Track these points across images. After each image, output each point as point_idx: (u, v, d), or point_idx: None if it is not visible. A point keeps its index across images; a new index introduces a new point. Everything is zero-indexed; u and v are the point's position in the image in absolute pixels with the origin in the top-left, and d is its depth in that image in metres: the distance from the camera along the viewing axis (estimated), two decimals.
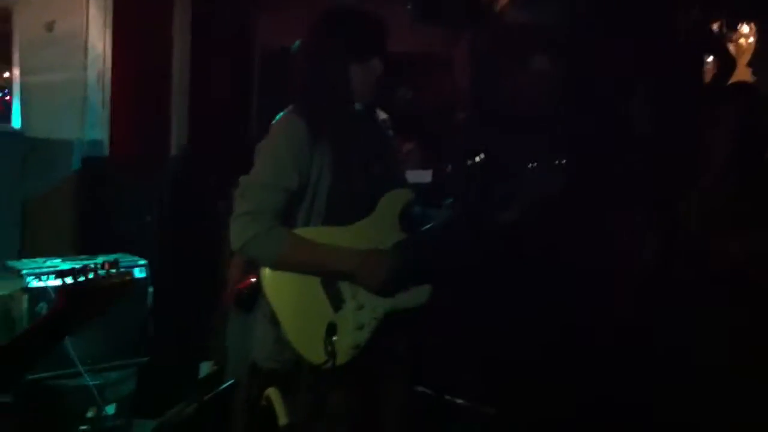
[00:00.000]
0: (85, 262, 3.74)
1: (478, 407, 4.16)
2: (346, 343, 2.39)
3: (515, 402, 3.95)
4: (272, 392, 2.19)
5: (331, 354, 2.31)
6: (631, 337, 3.65)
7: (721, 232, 2.90)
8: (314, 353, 2.36)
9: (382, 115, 2.74)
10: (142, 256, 4.10)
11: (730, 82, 4.72)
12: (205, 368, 4.51)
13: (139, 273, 4.03)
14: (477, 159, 2.83)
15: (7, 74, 4.55)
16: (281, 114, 2.57)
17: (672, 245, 3.33)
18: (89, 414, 3.73)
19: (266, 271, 2.45)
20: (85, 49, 4.53)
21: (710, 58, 5.13)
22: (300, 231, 2.47)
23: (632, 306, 3.74)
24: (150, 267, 4.07)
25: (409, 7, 5.37)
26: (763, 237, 2.67)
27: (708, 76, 5.11)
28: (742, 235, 2.78)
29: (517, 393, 3.99)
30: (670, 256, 3.34)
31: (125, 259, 4.06)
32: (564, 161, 2.53)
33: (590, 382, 3.82)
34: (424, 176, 4.67)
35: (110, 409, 3.79)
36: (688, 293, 3.10)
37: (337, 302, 2.45)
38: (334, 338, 2.33)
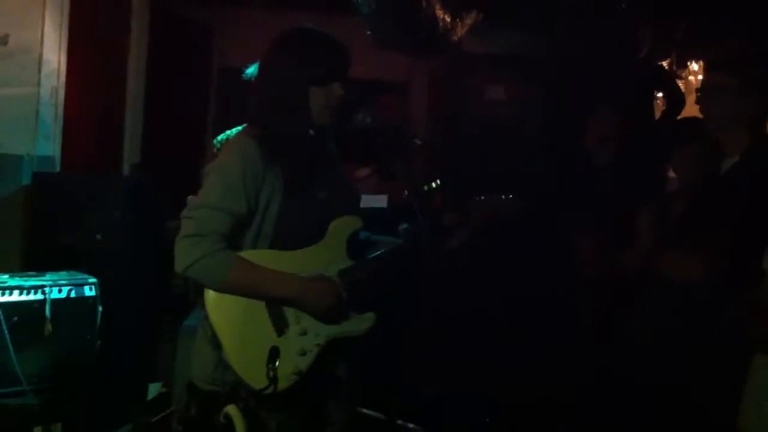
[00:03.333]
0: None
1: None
2: (287, 368, 2.38)
3: None
4: (232, 410, 2.17)
5: (273, 379, 2.31)
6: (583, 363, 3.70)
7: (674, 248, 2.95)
8: (255, 378, 2.34)
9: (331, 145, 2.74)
10: (91, 274, 4.06)
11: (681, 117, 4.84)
12: (154, 389, 4.47)
13: (88, 291, 3.99)
14: (433, 185, 2.85)
15: None
16: (229, 132, 2.53)
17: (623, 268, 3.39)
18: None
19: (209, 293, 2.43)
20: (39, 64, 4.49)
21: (660, 94, 5.26)
22: (246, 254, 2.45)
23: (585, 332, 3.79)
24: (99, 285, 4.03)
25: (369, 33, 5.41)
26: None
27: (658, 112, 5.24)
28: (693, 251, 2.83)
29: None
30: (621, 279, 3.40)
31: (75, 276, 4.02)
32: (510, 195, 2.57)
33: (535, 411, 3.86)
34: (380, 201, 4.68)
35: (56, 430, 3.72)
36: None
37: (280, 326, 2.44)
38: (276, 363, 2.33)
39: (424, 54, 6.00)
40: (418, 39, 5.22)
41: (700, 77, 5.09)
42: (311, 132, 2.57)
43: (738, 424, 2.54)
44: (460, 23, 4.40)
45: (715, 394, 2.71)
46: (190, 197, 2.48)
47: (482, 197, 2.66)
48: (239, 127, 2.68)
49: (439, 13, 4.30)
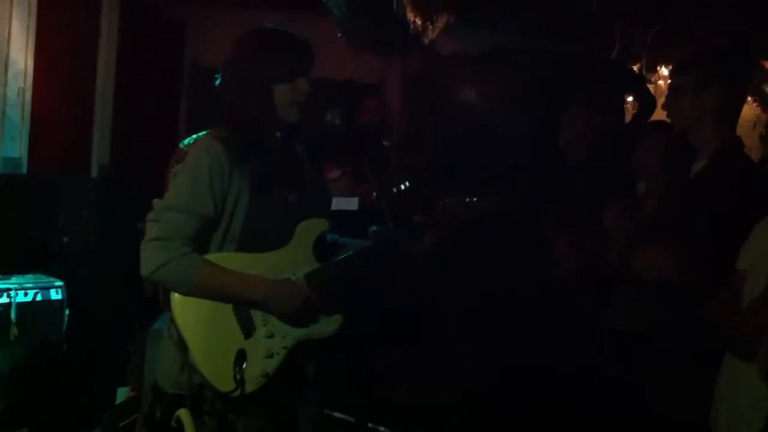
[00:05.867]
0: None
1: None
2: (254, 371, 2.37)
3: None
4: (183, 413, 2.15)
5: (240, 382, 2.29)
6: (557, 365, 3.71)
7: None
8: (222, 380, 2.33)
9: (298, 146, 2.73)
10: (58, 277, 4.02)
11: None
12: (122, 394, 4.42)
13: (55, 294, 3.95)
14: (402, 187, 2.84)
15: None
16: (195, 136, 2.51)
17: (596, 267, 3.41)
18: None
19: (175, 295, 2.41)
20: (6, 64, 4.43)
21: (630, 98, 5.29)
22: (213, 257, 2.44)
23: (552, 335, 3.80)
24: (67, 288, 3.98)
25: (340, 34, 5.41)
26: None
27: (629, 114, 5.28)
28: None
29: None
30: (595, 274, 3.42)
31: (41, 279, 3.98)
32: (475, 198, 2.57)
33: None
34: (351, 203, 4.67)
35: None
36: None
37: (247, 329, 2.43)
38: (243, 366, 2.31)
39: (396, 55, 6.01)
40: (389, 40, 5.22)
41: (669, 81, 5.13)
42: (278, 133, 2.56)
43: (710, 422, 2.55)
44: (431, 25, 4.40)
45: (686, 391, 2.73)
46: (155, 200, 2.45)
47: (447, 200, 2.67)
48: (204, 132, 2.66)
49: (411, 15, 4.30)
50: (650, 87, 5.50)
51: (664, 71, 5.50)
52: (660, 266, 2.79)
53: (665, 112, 3.07)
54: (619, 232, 3.23)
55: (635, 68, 5.14)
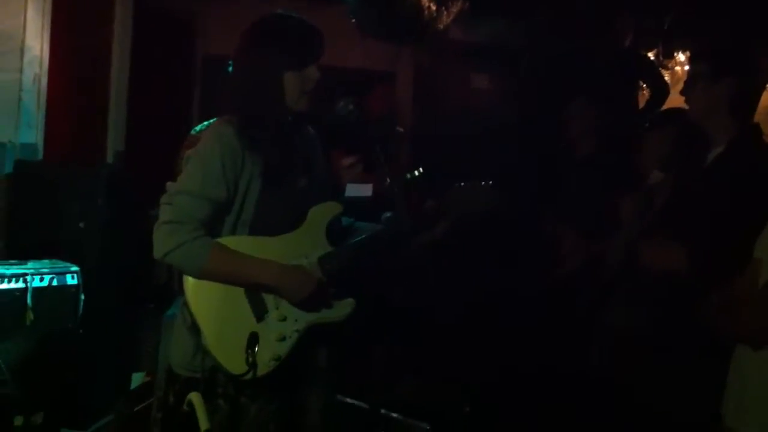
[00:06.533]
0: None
1: (413, 422, 4.18)
2: (267, 354, 2.38)
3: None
4: (194, 397, 2.16)
5: (252, 365, 2.30)
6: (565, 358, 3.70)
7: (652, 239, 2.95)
8: (235, 363, 2.34)
9: (310, 130, 2.74)
10: (74, 263, 4.04)
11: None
12: (137, 379, 4.45)
13: (70, 280, 3.97)
14: (416, 173, 2.84)
15: None
16: (207, 123, 2.52)
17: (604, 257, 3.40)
18: (17, 423, 3.64)
19: (188, 279, 2.42)
20: (22, 51, 4.46)
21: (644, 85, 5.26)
22: (226, 240, 2.45)
23: (563, 322, 3.79)
24: (82, 274, 4.01)
25: (353, 20, 5.40)
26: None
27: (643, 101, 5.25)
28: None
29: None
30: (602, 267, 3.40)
31: (57, 265, 4.00)
32: (490, 182, 2.57)
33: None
34: (365, 190, 4.67)
35: (38, 419, 3.70)
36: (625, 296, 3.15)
37: (259, 312, 2.44)
38: (256, 349, 2.32)
39: (409, 42, 6.00)
40: (403, 27, 5.21)
41: (686, 68, 5.10)
42: (290, 118, 2.56)
43: (722, 412, 2.55)
44: (445, 11, 4.39)
45: (698, 382, 2.72)
46: (169, 183, 2.46)
47: (461, 184, 2.67)
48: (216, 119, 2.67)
49: (425, 1, 4.29)
50: (667, 73, 5.47)
51: (681, 57, 5.46)
52: (673, 257, 2.77)
53: (682, 99, 3.05)
54: (633, 226, 3.21)
55: (650, 54, 5.12)
